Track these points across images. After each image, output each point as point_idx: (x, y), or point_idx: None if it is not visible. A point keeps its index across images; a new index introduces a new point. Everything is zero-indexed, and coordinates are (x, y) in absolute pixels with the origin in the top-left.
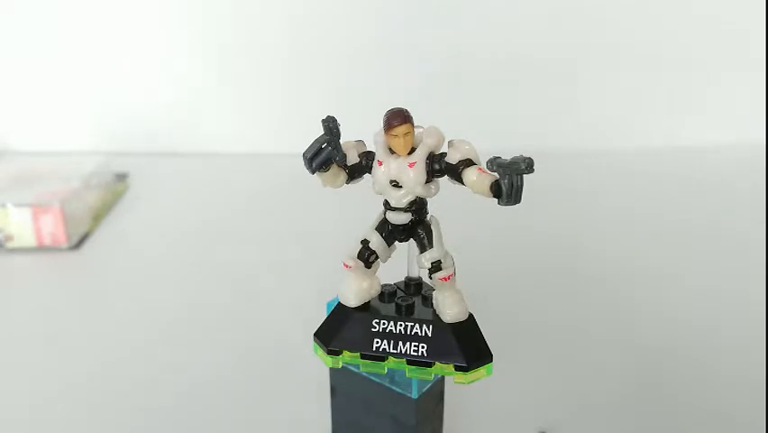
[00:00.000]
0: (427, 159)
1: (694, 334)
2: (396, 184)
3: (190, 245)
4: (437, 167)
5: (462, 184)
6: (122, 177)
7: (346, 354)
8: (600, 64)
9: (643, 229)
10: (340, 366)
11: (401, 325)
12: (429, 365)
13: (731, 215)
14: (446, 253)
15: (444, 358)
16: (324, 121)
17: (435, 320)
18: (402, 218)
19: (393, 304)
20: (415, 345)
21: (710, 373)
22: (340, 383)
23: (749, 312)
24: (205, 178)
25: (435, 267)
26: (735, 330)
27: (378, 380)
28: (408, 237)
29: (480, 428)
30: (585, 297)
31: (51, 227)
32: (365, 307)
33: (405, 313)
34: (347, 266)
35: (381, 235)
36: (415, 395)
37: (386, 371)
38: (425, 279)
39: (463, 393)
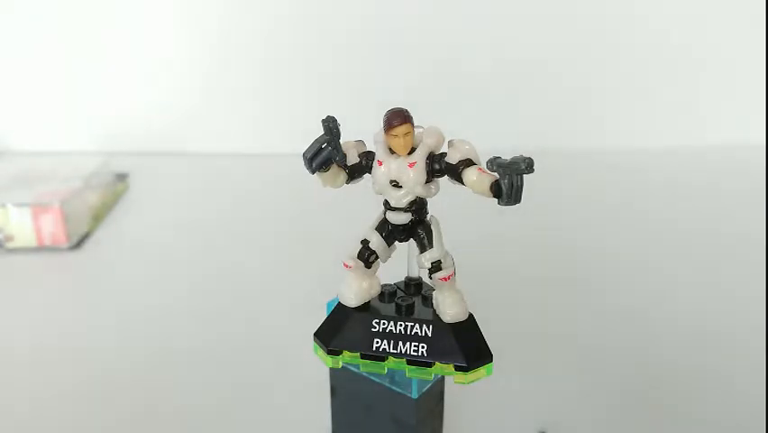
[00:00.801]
0: (427, 159)
1: (694, 334)
2: (396, 184)
3: (190, 245)
4: (437, 167)
5: (462, 184)
6: (122, 177)
7: (346, 354)
8: (600, 64)
9: (643, 229)
10: (340, 366)
11: (401, 325)
12: (429, 365)
13: (731, 215)
14: (446, 253)
15: (444, 358)
16: (324, 121)
17: (435, 320)
18: (402, 218)
19: (393, 304)
20: (415, 345)
21: (710, 374)
22: (340, 383)
23: (749, 312)
24: (205, 178)
25: (435, 267)
26: (735, 331)
27: (378, 380)
28: (408, 237)
29: (480, 428)
30: (585, 297)
31: (51, 227)
32: (365, 307)
33: (405, 313)
34: (347, 266)
35: (381, 235)
36: (415, 395)
37: (386, 371)
38: (425, 279)
39: (463, 393)
